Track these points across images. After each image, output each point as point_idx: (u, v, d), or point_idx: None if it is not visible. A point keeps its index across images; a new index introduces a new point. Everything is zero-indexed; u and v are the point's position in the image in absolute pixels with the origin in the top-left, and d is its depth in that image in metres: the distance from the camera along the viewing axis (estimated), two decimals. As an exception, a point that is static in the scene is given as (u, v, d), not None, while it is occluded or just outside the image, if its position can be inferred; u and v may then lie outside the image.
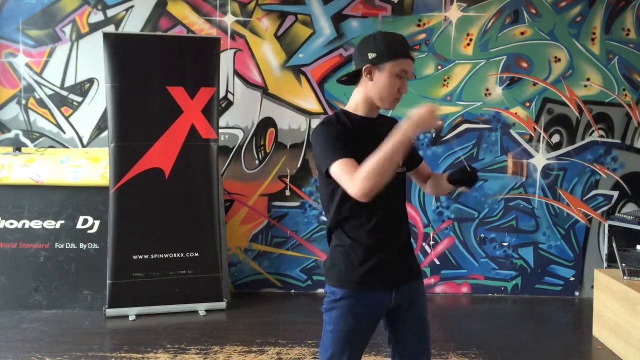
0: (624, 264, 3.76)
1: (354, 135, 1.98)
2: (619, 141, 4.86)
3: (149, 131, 4.36)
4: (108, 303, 4.28)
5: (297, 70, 4.92)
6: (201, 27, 4.90)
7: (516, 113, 4.87)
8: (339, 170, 1.89)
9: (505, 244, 4.93)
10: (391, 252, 2.03)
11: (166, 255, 4.37)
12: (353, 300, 1.99)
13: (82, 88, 4.95)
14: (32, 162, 4.48)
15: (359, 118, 2.05)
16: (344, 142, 1.94)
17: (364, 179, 1.82)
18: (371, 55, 1.99)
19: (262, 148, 4.97)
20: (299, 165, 4.96)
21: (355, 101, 2.07)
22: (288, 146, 4.97)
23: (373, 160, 1.83)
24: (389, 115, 2.26)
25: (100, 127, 4.94)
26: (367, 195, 1.83)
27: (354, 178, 1.84)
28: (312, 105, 4.92)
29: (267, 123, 4.96)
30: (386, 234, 2.03)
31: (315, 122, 4.91)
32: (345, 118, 2.04)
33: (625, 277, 3.70)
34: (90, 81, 4.94)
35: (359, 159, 1.88)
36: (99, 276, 4.37)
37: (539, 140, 4.88)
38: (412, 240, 2.17)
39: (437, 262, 4.96)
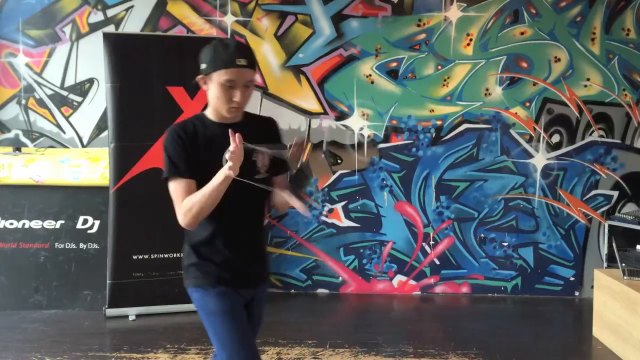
0: (624, 264, 3.76)
1: (205, 142, 1.99)
2: (619, 141, 4.86)
3: (149, 131, 4.34)
4: (108, 303, 4.28)
5: (297, 70, 4.91)
6: (201, 27, 4.89)
7: (516, 113, 4.87)
8: (172, 192, 2.00)
9: (505, 244, 4.93)
10: (233, 257, 2.07)
11: (166, 255, 4.37)
12: (205, 292, 2.07)
13: (82, 88, 4.95)
14: (32, 162, 4.48)
15: (212, 123, 2.03)
16: (186, 154, 1.97)
17: (186, 214, 1.95)
18: (202, 66, 1.99)
19: (262, 148, 4.96)
20: (298, 166, 4.95)
21: (209, 107, 2.07)
22: (288, 146, 4.95)
23: (195, 198, 1.92)
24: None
25: (100, 127, 4.94)
26: (190, 226, 1.97)
27: (180, 208, 1.96)
28: (312, 105, 4.92)
29: (267, 123, 4.95)
30: (231, 239, 2.06)
31: (315, 122, 4.91)
32: (197, 124, 2.03)
33: (625, 277, 3.70)
34: (90, 81, 4.94)
35: (207, 166, 1.93)
36: (99, 276, 4.37)
37: (539, 140, 4.88)
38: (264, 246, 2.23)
39: (437, 262, 4.95)
